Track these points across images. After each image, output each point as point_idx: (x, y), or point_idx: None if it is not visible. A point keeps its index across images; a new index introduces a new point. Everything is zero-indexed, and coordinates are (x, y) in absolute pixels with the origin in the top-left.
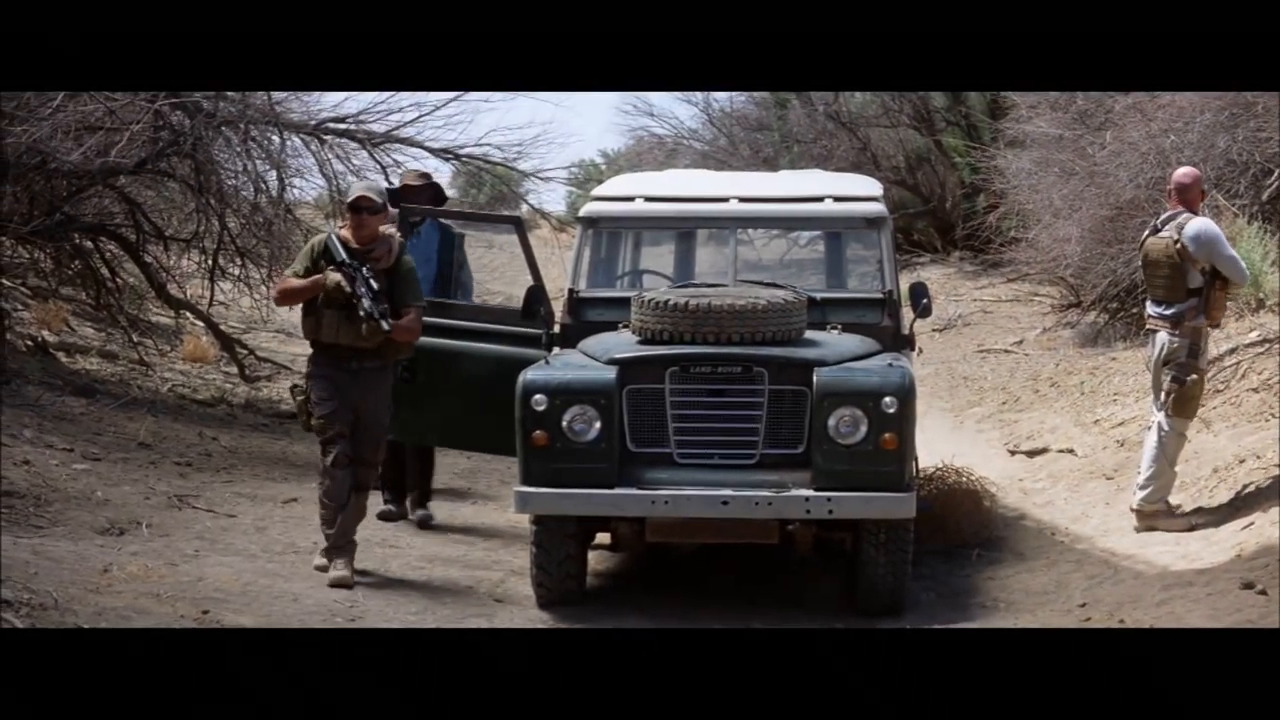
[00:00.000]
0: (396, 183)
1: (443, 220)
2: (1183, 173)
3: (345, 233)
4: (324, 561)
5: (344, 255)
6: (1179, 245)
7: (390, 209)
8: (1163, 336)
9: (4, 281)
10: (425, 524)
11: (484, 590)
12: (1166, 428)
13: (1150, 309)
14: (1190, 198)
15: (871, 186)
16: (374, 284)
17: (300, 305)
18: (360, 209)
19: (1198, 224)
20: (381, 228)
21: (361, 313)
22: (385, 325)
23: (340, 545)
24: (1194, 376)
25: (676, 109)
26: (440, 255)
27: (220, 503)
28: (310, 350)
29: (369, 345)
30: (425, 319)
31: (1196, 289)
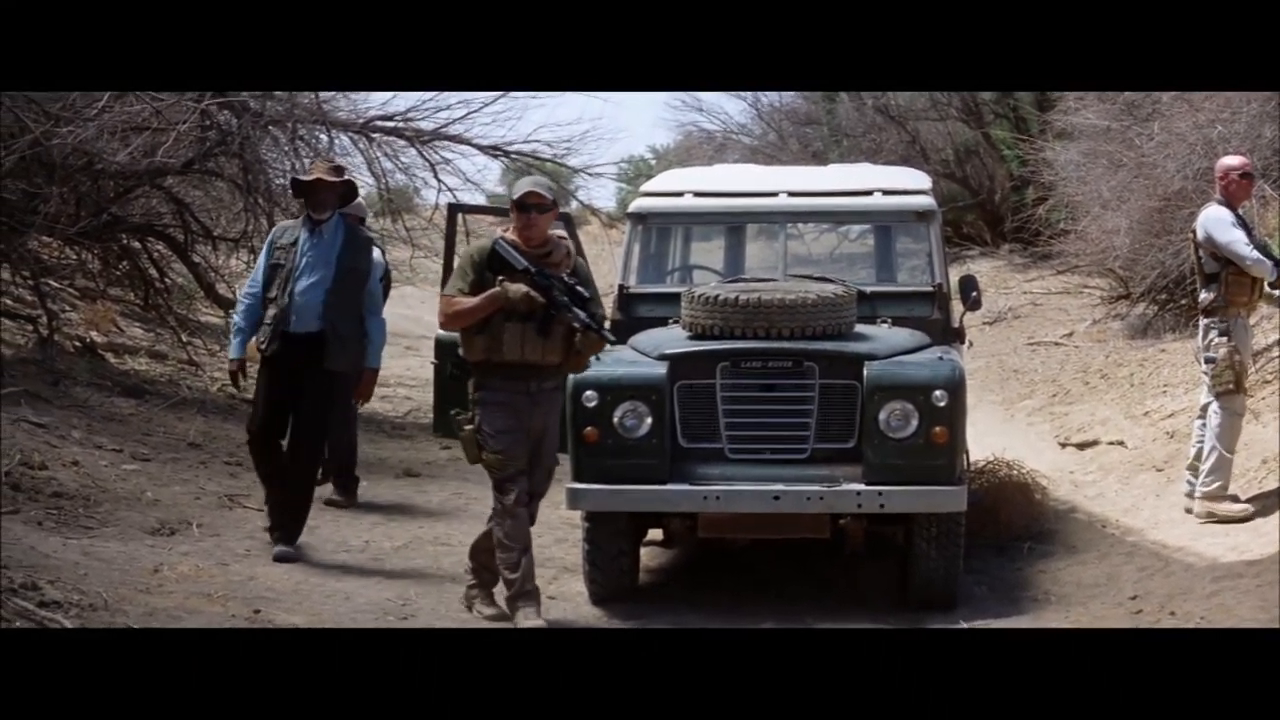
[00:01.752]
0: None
1: (352, 219)
2: (1220, 162)
3: (512, 235)
4: (493, 610)
5: (524, 262)
6: (1193, 232)
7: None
8: (1201, 323)
9: (52, 283)
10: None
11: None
12: (1217, 413)
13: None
14: (1223, 185)
15: (920, 180)
16: (581, 290)
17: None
18: (529, 207)
19: (1206, 210)
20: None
21: (577, 324)
22: (609, 335)
23: (528, 591)
24: (1224, 351)
25: (726, 104)
26: (341, 260)
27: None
28: (477, 373)
29: (551, 362)
30: None
31: (1213, 275)
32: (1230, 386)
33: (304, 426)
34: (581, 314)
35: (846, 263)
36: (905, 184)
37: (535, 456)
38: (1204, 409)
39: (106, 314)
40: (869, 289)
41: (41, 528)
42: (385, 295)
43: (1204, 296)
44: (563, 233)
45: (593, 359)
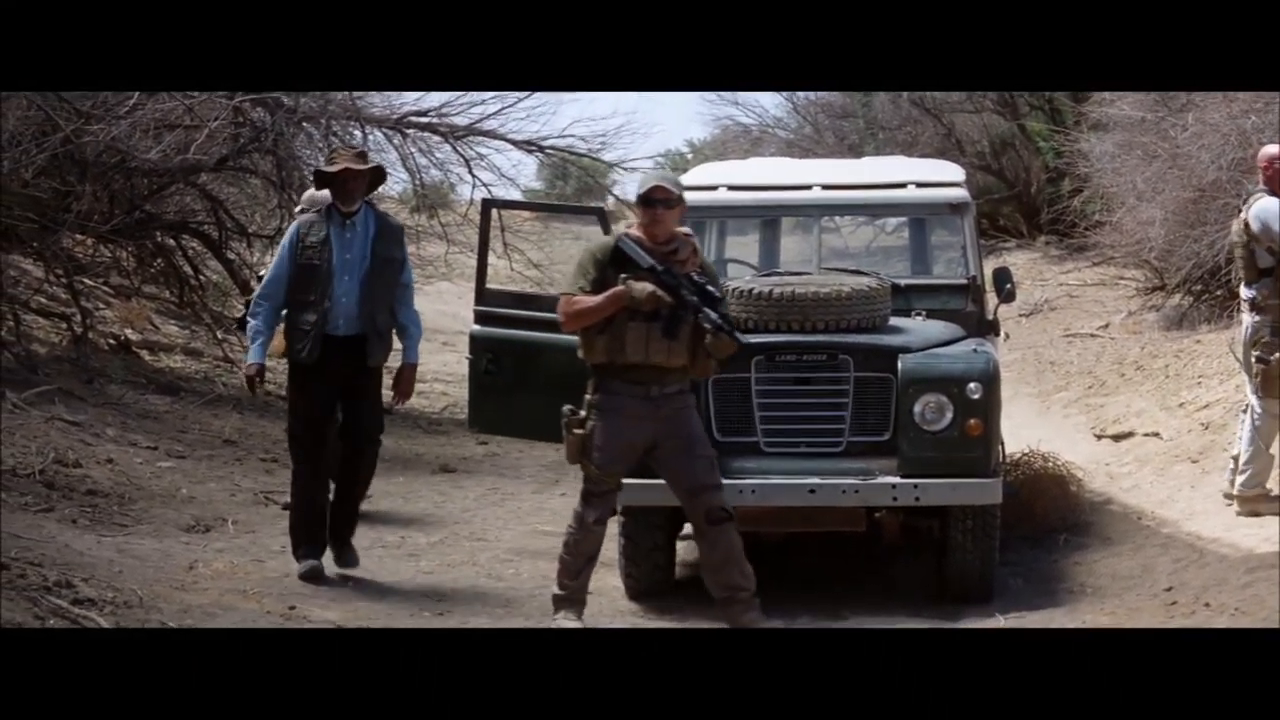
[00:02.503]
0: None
1: (379, 209)
2: (1262, 151)
3: (636, 232)
4: (576, 624)
5: (650, 260)
6: (1245, 224)
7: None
8: (1245, 318)
9: (86, 280)
10: (349, 565)
11: (526, 573)
12: (1259, 410)
13: (1241, 290)
14: (1268, 176)
15: (955, 172)
16: (711, 289)
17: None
18: (655, 202)
19: (1263, 202)
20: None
21: (708, 325)
22: (741, 337)
23: (577, 599)
24: (1277, 356)
25: (761, 98)
26: (375, 252)
27: None
28: (597, 376)
29: (676, 365)
30: (509, 311)
31: (1268, 269)
32: (1275, 392)
33: (362, 431)
34: (713, 314)
35: (882, 255)
36: (940, 176)
37: (680, 455)
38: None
39: (141, 311)
40: (903, 282)
41: (76, 525)
42: None
43: (1250, 293)
44: (689, 230)
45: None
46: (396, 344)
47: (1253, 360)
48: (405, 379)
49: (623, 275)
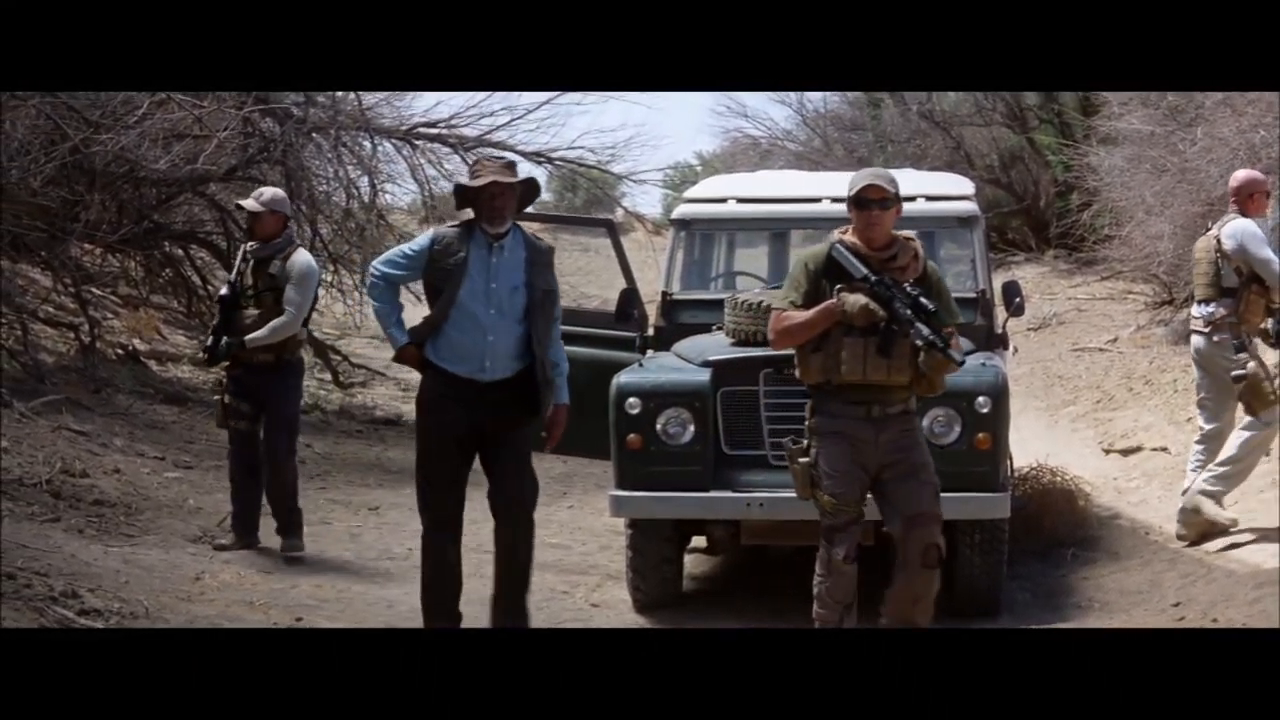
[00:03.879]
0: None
1: (278, 218)
2: (1236, 175)
3: (851, 238)
4: None
5: (864, 269)
6: (1217, 241)
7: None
8: (1196, 339)
9: (94, 290)
10: (293, 549)
11: (580, 595)
12: (1252, 425)
13: (1192, 310)
14: (1240, 200)
15: (964, 185)
16: (925, 301)
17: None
18: (869, 203)
19: (1237, 223)
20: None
21: (920, 341)
22: (956, 355)
23: None
24: (1251, 364)
25: (770, 110)
26: (532, 282)
27: (313, 509)
28: (815, 397)
29: (898, 383)
30: None
31: (1231, 289)
32: (1262, 403)
33: (514, 500)
34: (925, 330)
35: None
36: (949, 189)
37: (903, 480)
38: (1205, 434)
39: (149, 321)
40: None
41: (82, 535)
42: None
43: (1211, 310)
44: (911, 233)
45: (635, 365)
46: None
47: (1232, 382)
48: (557, 422)
49: (837, 286)
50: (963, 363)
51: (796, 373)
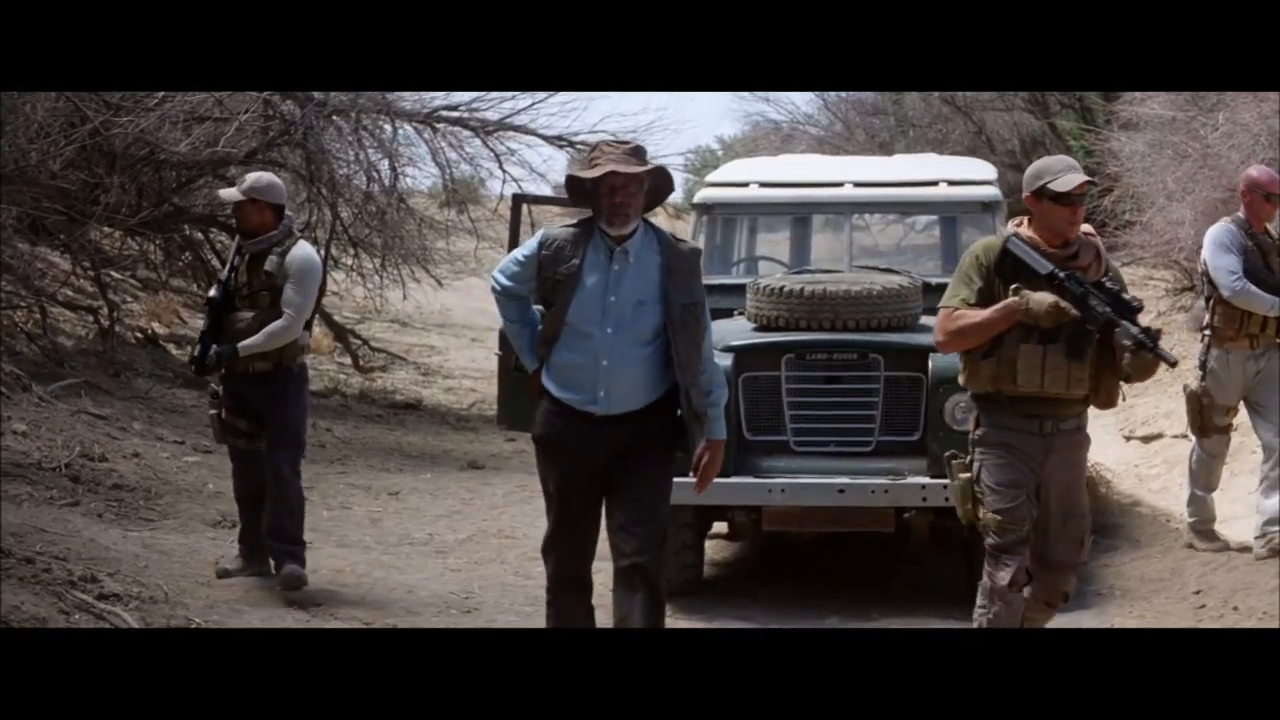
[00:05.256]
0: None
1: (263, 204)
2: (1245, 173)
3: (1029, 232)
4: None
5: (1048, 264)
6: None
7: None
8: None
9: (113, 273)
10: (293, 584)
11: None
12: (1195, 450)
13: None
14: (1246, 202)
15: (986, 170)
16: (1127, 297)
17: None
18: (1075, 198)
19: (1213, 227)
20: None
21: (1127, 341)
22: (1170, 355)
23: None
24: (1192, 389)
25: (792, 95)
26: (668, 294)
27: (334, 494)
28: (983, 408)
29: (1076, 395)
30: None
31: (1208, 298)
32: (1200, 429)
33: (637, 568)
34: (1133, 328)
35: (912, 254)
36: (971, 174)
37: (1051, 517)
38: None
39: (168, 305)
40: (934, 280)
41: (101, 520)
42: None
43: (1207, 318)
44: (1090, 229)
45: None
46: None
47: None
48: (713, 462)
49: (1013, 285)
50: (1175, 363)
51: (960, 379)
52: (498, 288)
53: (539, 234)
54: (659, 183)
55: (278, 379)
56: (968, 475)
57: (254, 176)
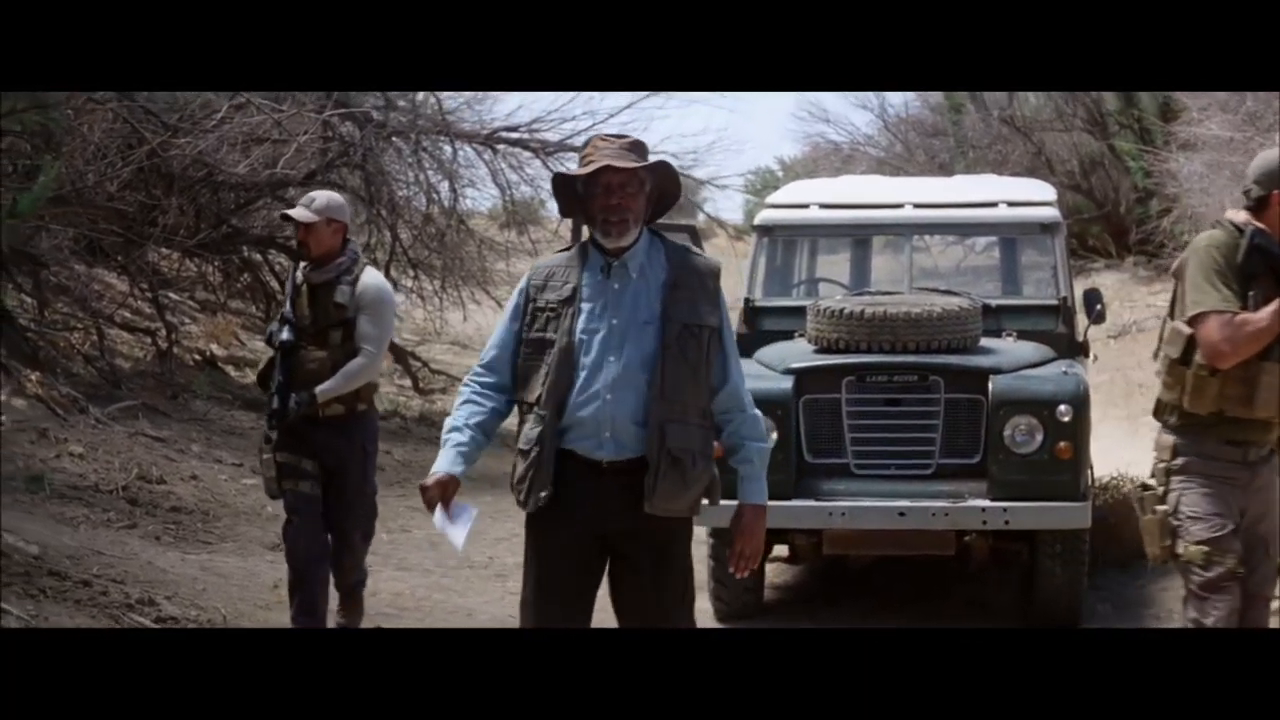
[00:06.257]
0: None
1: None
2: None
3: (1262, 226)
4: None
5: None
6: None
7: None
8: None
9: (171, 295)
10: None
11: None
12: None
13: None
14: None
15: (1045, 191)
16: None
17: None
18: None
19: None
20: None
21: None
22: None
23: None
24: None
25: (852, 115)
26: (668, 314)
27: (393, 517)
28: (1186, 432)
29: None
30: None
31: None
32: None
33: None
34: None
35: (972, 275)
36: (1030, 196)
37: (1254, 548)
38: None
39: (227, 327)
40: (994, 302)
41: (159, 542)
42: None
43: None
44: None
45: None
46: None
47: None
48: (748, 530)
49: (1250, 294)
50: None
51: (1185, 401)
52: (469, 385)
53: (527, 276)
54: (663, 184)
55: (352, 426)
56: (1164, 508)
57: (324, 195)
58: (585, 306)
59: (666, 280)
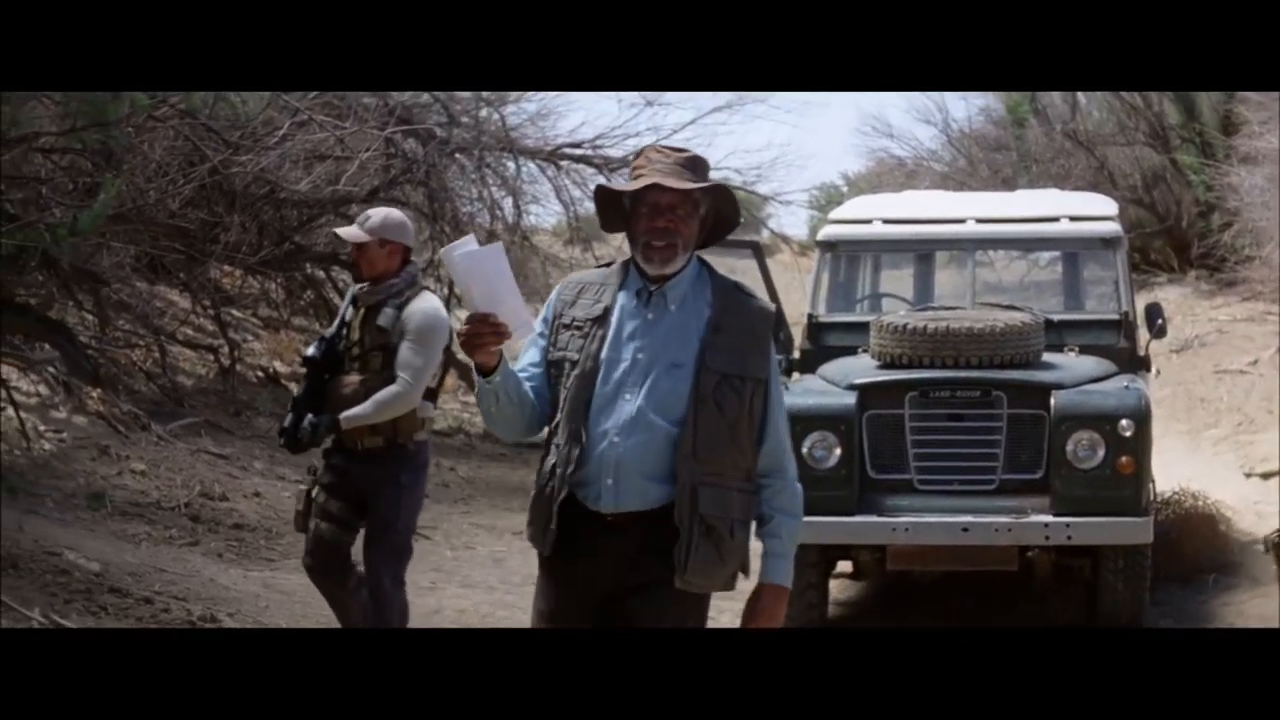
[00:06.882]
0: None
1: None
2: None
3: None
4: None
5: None
6: None
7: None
8: None
9: (234, 312)
10: None
11: (726, 621)
12: None
13: None
14: None
15: (1107, 205)
16: None
17: None
18: None
19: None
20: None
21: None
22: None
23: None
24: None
25: (916, 129)
26: (708, 350)
27: (457, 534)
28: None
29: None
30: None
31: None
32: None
33: None
34: None
35: (1035, 290)
36: (1093, 210)
37: None
38: None
39: (289, 344)
40: (1056, 317)
41: (221, 559)
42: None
43: None
44: None
45: (783, 387)
46: None
47: None
48: (766, 614)
49: None
50: None
51: None
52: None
53: (556, 291)
54: (720, 208)
55: (390, 461)
56: None
57: (382, 213)
58: (612, 331)
59: (710, 321)
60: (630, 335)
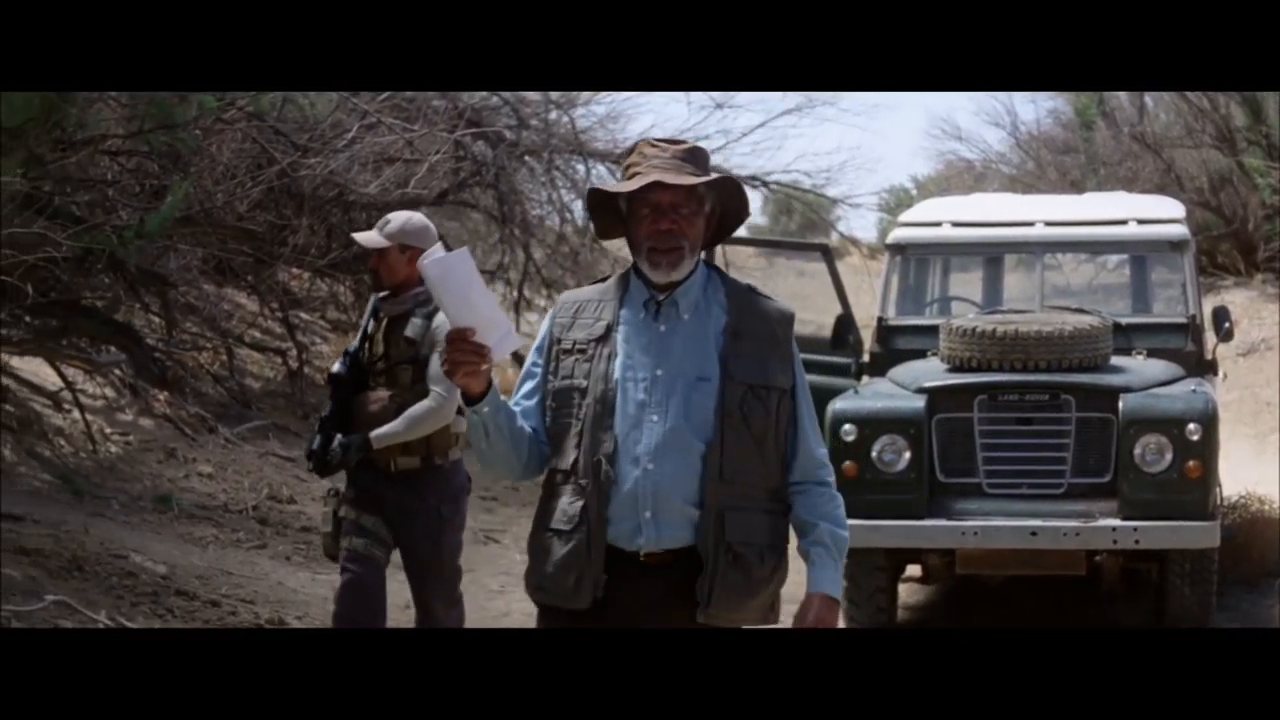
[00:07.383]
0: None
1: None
2: None
3: None
4: None
5: None
6: None
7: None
8: None
9: (302, 315)
10: None
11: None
12: None
13: None
14: None
15: (1174, 208)
16: None
17: None
18: None
19: None
20: None
21: None
22: None
23: None
24: None
25: (984, 132)
26: (730, 364)
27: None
28: None
29: None
30: None
31: None
32: None
33: None
34: None
35: (1103, 293)
36: (1160, 213)
37: None
38: None
39: None
40: (1124, 320)
41: (289, 562)
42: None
43: None
44: None
45: (850, 391)
46: None
47: None
48: (818, 623)
49: None
50: None
51: None
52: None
53: (552, 314)
54: (727, 203)
55: (426, 487)
56: None
57: (402, 216)
58: (623, 349)
59: (728, 326)
60: (644, 351)
